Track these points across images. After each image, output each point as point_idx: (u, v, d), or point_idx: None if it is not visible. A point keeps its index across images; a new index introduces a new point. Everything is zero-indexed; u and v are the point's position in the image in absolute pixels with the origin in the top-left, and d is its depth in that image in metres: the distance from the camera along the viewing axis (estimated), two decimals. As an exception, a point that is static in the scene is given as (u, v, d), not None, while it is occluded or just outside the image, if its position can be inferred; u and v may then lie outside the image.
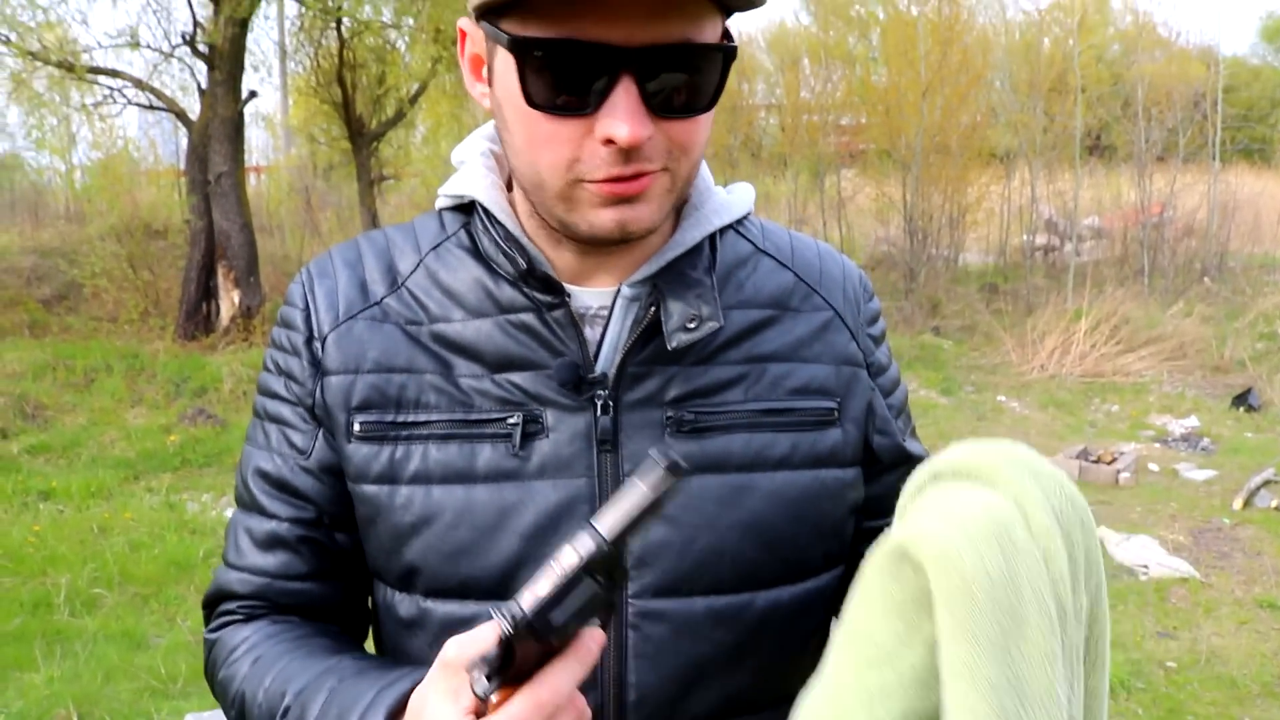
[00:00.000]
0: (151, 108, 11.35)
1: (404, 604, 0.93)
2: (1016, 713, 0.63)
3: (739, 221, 0.99)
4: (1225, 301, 14.19)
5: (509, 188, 0.95)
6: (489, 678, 0.67)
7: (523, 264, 0.90)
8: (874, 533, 0.96)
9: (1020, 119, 16.94)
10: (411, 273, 0.96)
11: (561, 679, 0.68)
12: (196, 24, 10.34)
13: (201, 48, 10.22)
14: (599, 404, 0.90)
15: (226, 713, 0.94)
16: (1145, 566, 5.60)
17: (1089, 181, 19.28)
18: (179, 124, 11.34)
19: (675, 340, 0.88)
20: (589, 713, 0.73)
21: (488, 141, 0.98)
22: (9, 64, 10.33)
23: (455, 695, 0.70)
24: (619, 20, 0.76)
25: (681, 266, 0.92)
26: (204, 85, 10.54)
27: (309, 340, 0.94)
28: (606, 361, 0.92)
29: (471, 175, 0.95)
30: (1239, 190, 17.69)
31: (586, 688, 0.74)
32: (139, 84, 10.81)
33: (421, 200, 20.27)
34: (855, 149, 18.39)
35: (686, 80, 0.81)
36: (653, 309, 0.90)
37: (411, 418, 0.91)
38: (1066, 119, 15.90)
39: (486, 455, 0.90)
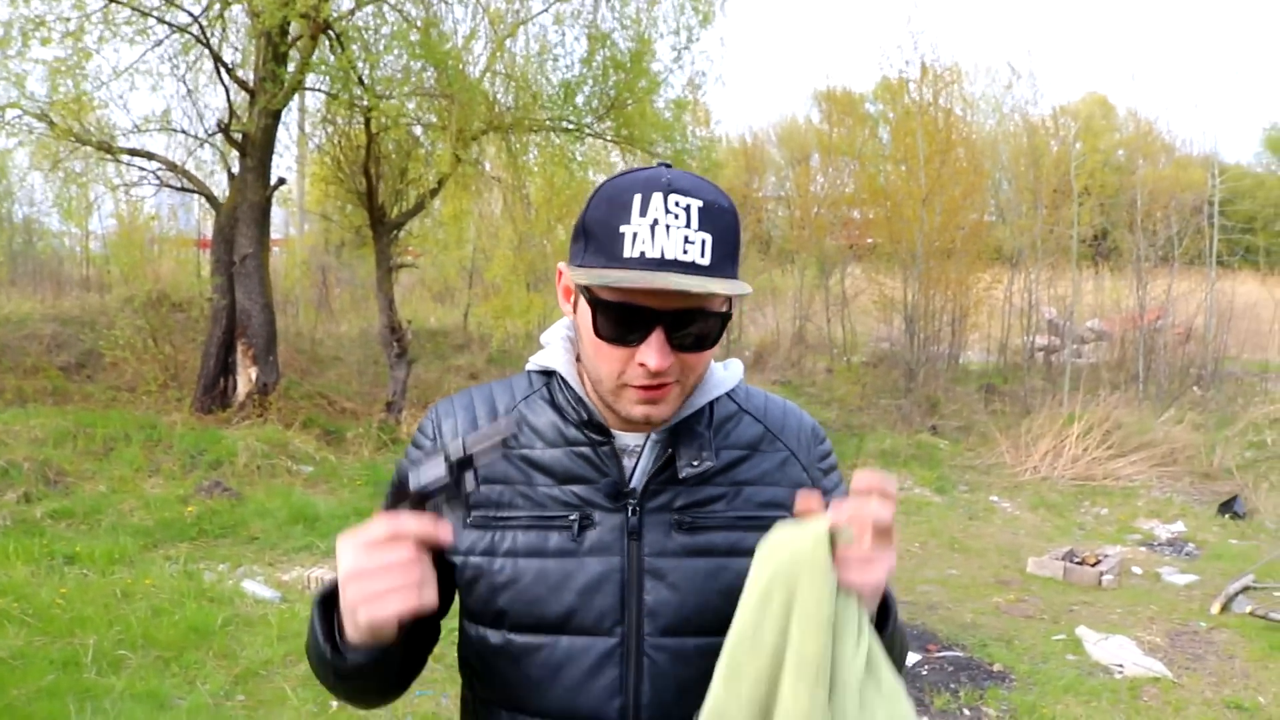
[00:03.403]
0: (183, 190, 11.80)
1: (494, 637, 1.36)
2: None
3: (731, 389, 1.44)
4: (1218, 408, 14.48)
5: (578, 359, 1.39)
6: (385, 508, 1.19)
7: (584, 415, 1.36)
8: None
9: (1021, 224, 17.34)
10: (508, 413, 1.40)
11: (406, 522, 1.15)
12: (232, 113, 10.83)
13: (235, 135, 10.71)
14: (630, 508, 1.34)
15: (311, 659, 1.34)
16: (1120, 666, 5.84)
17: (1091, 285, 19.70)
18: (197, 195, 11.80)
19: (684, 472, 1.34)
20: (415, 571, 1.14)
21: (566, 329, 1.43)
22: (50, 144, 10.78)
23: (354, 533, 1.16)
24: (661, 296, 1.22)
25: (690, 423, 1.37)
26: (234, 170, 11.01)
27: None
28: (637, 481, 1.36)
29: (555, 352, 1.42)
30: (1237, 297, 17.97)
31: (614, 693, 1.27)
32: (172, 167, 11.28)
33: (432, 281, 20.73)
34: (863, 242, 18.78)
35: (697, 331, 1.27)
36: (669, 450, 1.35)
37: (506, 514, 1.35)
38: (1067, 225, 16.30)
39: (555, 539, 1.34)
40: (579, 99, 11.41)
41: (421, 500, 1.18)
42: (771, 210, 24.02)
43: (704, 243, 1.22)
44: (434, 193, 11.74)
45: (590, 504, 1.34)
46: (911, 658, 5.90)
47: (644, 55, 11.26)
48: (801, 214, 20.34)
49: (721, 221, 1.24)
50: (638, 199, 1.22)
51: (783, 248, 22.12)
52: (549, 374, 1.43)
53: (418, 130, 11.76)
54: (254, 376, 10.93)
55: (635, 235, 1.21)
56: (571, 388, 1.38)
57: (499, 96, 11.33)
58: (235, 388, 11.08)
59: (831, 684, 1.15)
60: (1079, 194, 16.25)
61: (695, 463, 1.34)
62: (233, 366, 11.12)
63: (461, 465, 1.17)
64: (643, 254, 1.20)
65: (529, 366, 1.45)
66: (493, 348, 15.73)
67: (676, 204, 1.22)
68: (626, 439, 1.37)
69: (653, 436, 1.36)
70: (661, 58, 11.84)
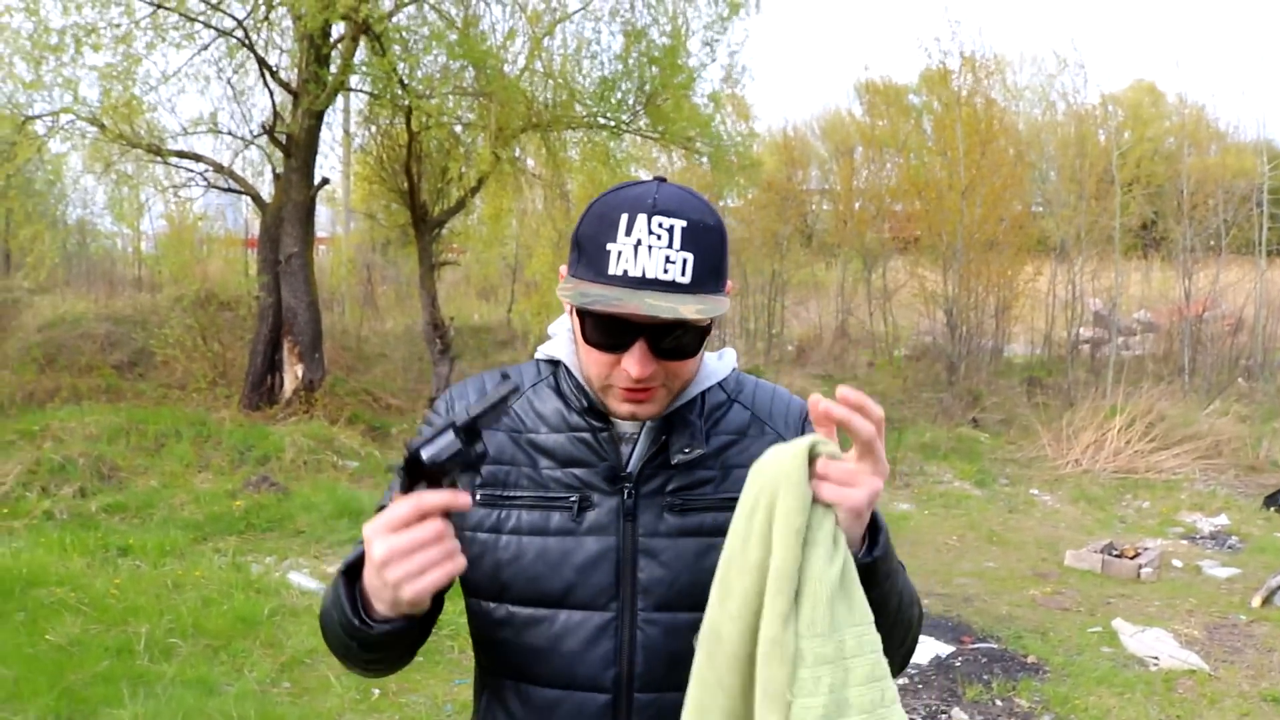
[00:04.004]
0: (230, 190, 12.05)
1: (497, 610, 1.45)
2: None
3: (723, 379, 1.52)
4: (1266, 400, 14.31)
5: None
6: (402, 491, 1.21)
7: (586, 403, 1.46)
8: None
9: (1065, 214, 17.18)
10: (517, 399, 1.49)
11: (429, 497, 1.19)
12: (276, 114, 11.04)
13: (279, 136, 10.92)
14: (626, 491, 1.43)
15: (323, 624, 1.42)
16: (1156, 658, 5.85)
17: (1137, 276, 19.48)
18: (244, 196, 12.05)
19: (676, 458, 1.43)
20: (448, 542, 1.21)
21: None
22: (103, 147, 11.05)
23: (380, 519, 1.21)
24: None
25: (683, 412, 1.46)
26: (279, 171, 11.23)
27: None
28: (633, 466, 1.45)
29: (560, 344, 1.51)
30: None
31: (610, 664, 1.36)
32: (219, 168, 11.53)
33: (475, 279, 20.93)
34: (910, 234, 18.68)
35: (678, 341, 1.36)
36: (664, 437, 1.44)
37: (512, 493, 1.44)
38: (1110, 216, 16.13)
39: (556, 519, 1.43)
40: (615, 96, 11.50)
41: (436, 473, 1.24)
42: (815, 204, 23.96)
43: (685, 262, 1.31)
44: (474, 191, 11.90)
45: (590, 486, 1.44)
46: (945, 649, 5.94)
47: (678, 51, 11.32)
48: (844, 207, 20.26)
49: (705, 240, 1.34)
50: (624, 219, 1.32)
51: (824, 241, 22.07)
52: (555, 363, 1.52)
53: (458, 129, 11.92)
54: (300, 373, 11.15)
55: (620, 254, 1.31)
56: (574, 377, 1.47)
57: (538, 94, 11.44)
58: (282, 385, 11.31)
59: (801, 596, 1.19)
60: (1127, 184, 16.06)
61: (687, 450, 1.43)
62: (279, 364, 11.35)
63: (469, 431, 1.24)
64: (625, 272, 1.30)
65: (537, 355, 1.55)
66: (532, 344, 15.87)
67: (660, 225, 1.31)
68: (625, 426, 1.46)
69: (648, 424, 1.45)
70: (696, 53, 11.88)
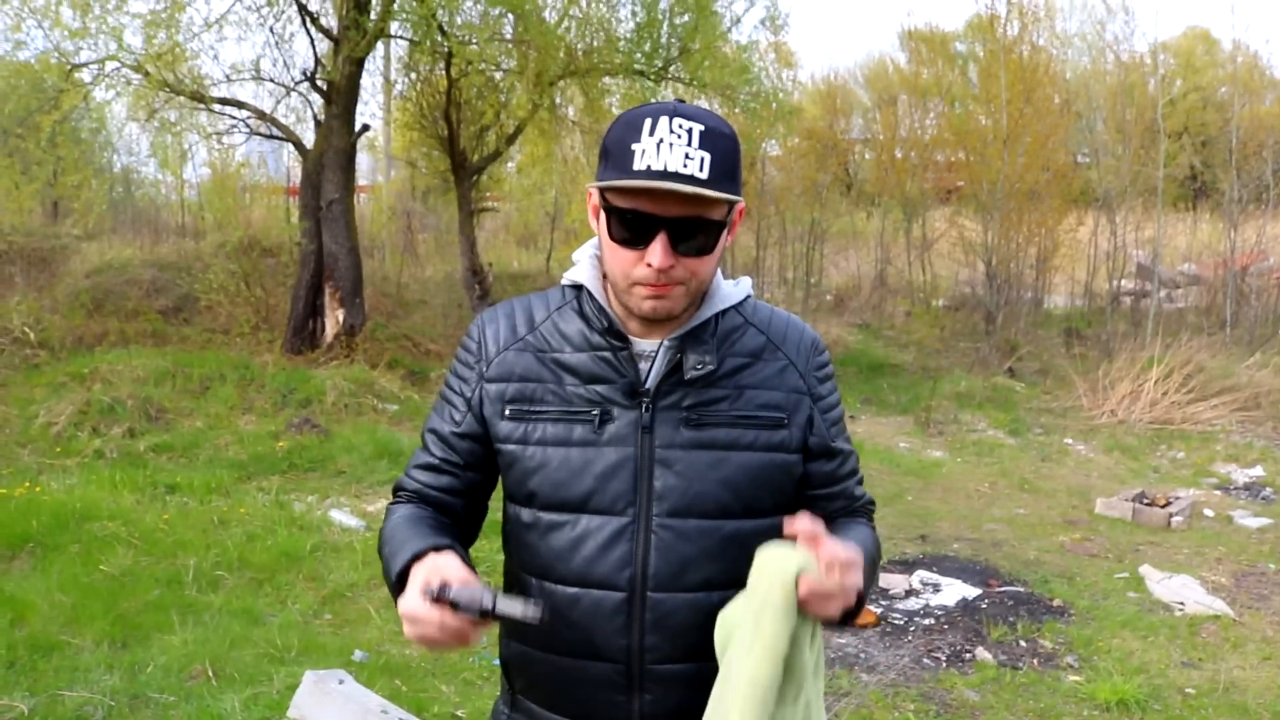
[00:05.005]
0: (272, 137, 12.18)
1: (525, 514, 1.59)
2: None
3: (739, 304, 1.63)
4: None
5: (605, 277, 1.59)
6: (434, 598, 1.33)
7: (606, 324, 1.57)
8: (810, 499, 1.58)
9: (1109, 165, 16.96)
10: (543, 322, 1.63)
11: (445, 617, 1.32)
12: (317, 61, 11.12)
13: (320, 83, 11.01)
14: (644, 405, 1.55)
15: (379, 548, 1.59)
16: (1181, 604, 5.90)
17: (1181, 227, 19.21)
18: (285, 142, 12.17)
19: (690, 374, 1.55)
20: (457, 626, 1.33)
21: (593, 249, 1.63)
22: (147, 95, 11.18)
23: (426, 583, 1.35)
24: (664, 204, 1.43)
25: (697, 332, 1.57)
26: (320, 118, 11.33)
27: (479, 361, 1.62)
28: (651, 382, 1.56)
29: (583, 269, 1.63)
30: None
31: (625, 565, 1.50)
32: (261, 115, 11.64)
33: (515, 226, 21.05)
34: (953, 185, 18.53)
35: (697, 237, 1.47)
36: (678, 355, 1.55)
37: (538, 408, 1.58)
38: (1155, 167, 15.91)
39: (579, 431, 1.56)
40: (646, 45, 11.47)
41: (454, 606, 1.34)
42: (857, 153, 23.78)
43: (703, 160, 1.41)
44: (511, 139, 11.95)
45: (610, 401, 1.55)
46: (972, 591, 6.03)
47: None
48: (886, 156, 20.10)
49: (721, 145, 1.44)
50: (648, 122, 1.42)
51: (864, 190, 21.93)
52: (579, 288, 1.63)
53: (497, 76, 11.95)
54: (341, 318, 11.32)
55: (644, 151, 1.41)
56: (596, 300, 1.58)
57: (575, 42, 11.44)
58: (323, 329, 11.49)
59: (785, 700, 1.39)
60: (1176, 133, 15.79)
61: (699, 366, 1.54)
62: (321, 309, 11.52)
63: (485, 614, 1.33)
64: (649, 166, 1.40)
65: (563, 281, 1.67)
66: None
67: (680, 126, 1.42)
68: (643, 345, 1.57)
69: (665, 343, 1.56)
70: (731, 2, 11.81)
